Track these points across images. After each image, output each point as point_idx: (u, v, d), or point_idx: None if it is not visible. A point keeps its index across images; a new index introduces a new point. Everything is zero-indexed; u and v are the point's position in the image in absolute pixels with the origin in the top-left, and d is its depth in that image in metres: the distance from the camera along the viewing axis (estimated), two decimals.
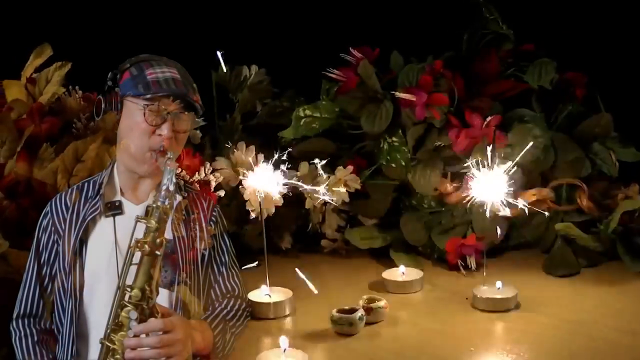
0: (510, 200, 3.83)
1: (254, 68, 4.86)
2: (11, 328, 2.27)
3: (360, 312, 3.29)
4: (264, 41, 4.90)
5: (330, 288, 3.84)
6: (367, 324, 3.36)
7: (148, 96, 2.15)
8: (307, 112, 4.29)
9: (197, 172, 3.72)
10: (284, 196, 4.06)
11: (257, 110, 4.71)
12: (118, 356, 1.98)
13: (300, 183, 3.79)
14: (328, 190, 4.18)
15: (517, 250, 4.14)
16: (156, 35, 4.75)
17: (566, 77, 4.43)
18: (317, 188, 3.70)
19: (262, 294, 3.60)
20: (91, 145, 3.09)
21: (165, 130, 2.16)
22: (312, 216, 4.35)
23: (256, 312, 3.51)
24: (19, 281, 2.82)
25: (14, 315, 2.29)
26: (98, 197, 2.24)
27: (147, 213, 2.05)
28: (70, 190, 2.31)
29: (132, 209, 2.23)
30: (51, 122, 3.47)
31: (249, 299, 3.52)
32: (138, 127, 2.17)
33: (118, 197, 2.26)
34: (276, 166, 3.74)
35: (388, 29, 4.85)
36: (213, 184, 3.77)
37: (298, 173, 4.06)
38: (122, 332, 1.98)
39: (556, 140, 4.09)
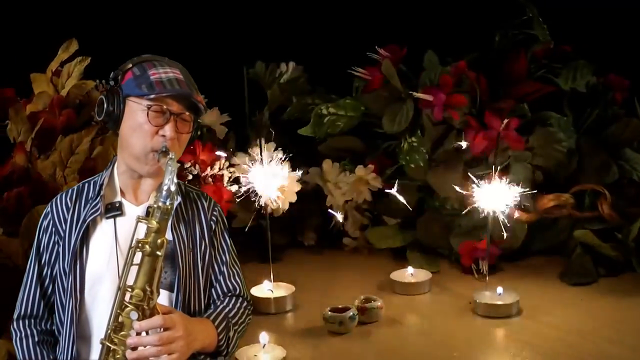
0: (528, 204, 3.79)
1: (292, 65, 4.91)
2: (12, 329, 2.21)
3: (351, 312, 3.29)
4: (298, 38, 4.91)
5: (340, 286, 3.87)
6: (362, 323, 3.36)
7: (152, 96, 2.09)
8: (331, 110, 4.30)
9: (210, 167, 3.77)
10: (303, 193, 4.13)
11: None
12: (119, 356, 1.97)
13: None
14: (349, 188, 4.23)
15: (537, 256, 4.04)
16: (189, 31, 4.86)
17: (607, 81, 4.30)
18: None
19: (264, 289, 3.66)
20: (85, 139, 3.19)
21: (168, 131, 2.10)
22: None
23: (258, 307, 3.57)
24: (10, 267, 2.94)
25: (15, 317, 2.23)
26: (98, 198, 2.19)
27: (148, 213, 2.03)
28: (70, 190, 2.31)
29: (132, 210, 2.19)
30: (68, 115, 3.59)
31: (251, 295, 3.60)
32: (141, 127, 2.11)
33: (118, 198, 2.21)
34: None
35: (427, 28, 4.78)
36: (226, 179, 3.82)
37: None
38: (123, 333, 1.97)
39: (583, 145, 3.97)
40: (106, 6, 4.69)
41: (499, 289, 3.46)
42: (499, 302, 3.41)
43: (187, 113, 2.15)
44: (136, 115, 2.11)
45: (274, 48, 4.91)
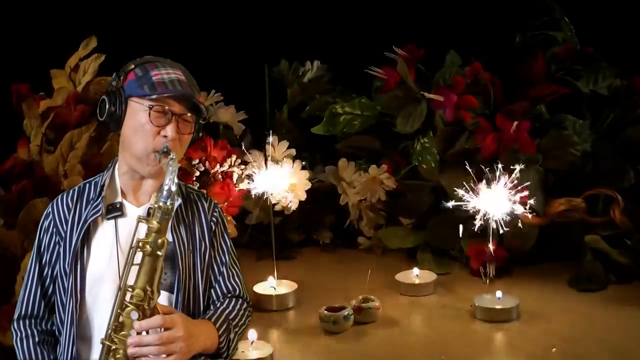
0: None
1: (316, 63, 4.93)
2: (12, 329, 2.25)
3: (346, 312, 3.31)
4: (323, 37, 4.92)
5: (347, 285, 3.87)
6: (359, 323, 3.37)
7: (153, 97, 2.10)
8: (346, 109, 4.30)
9: (220, 164, 3.82)
10: (319, 191, 4.15)
11: None
12: (119, 356, 1.98)
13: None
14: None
15: (551, 260, 3.97)
16: (212, 30, 4.92)
17: (632, 83, 4.21)
18: None
19: (267, 286, 3.69)
20: (84, 135, 3.28)
21: (169, 131, 2.11)
22: (350, 213, 4.37)
23: (260, 304, 3.62)
24: (9, 258, 3.04)
25: (15, 316, 2.25)
26: (99, 199, 2.19)
27: (149, 214, 2.05)
28: (71, 191, 2.27)
29: (133, 211, 2.19)
30: (82, 110, 3.68)
31: (254, 293, 3.64)
32: (142, 128, 2.11)
33: (119, 199, 2.21)
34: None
35: (451, 28, 4.74)
36: (236, 176, 3.86)
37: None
38: (124, 332, 1.99)
39: (598, 148, 3.89)
40: (130, 3, 4.76)
41: (498, 293, 3.43)
42: (498, 306, 3.38)
43: (189, 114, 2.17)
44: (138, 116, 2.13)
45: (299, 47, 4.94)
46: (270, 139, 4.16)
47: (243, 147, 3.98)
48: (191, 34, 4.86)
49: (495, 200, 3.41)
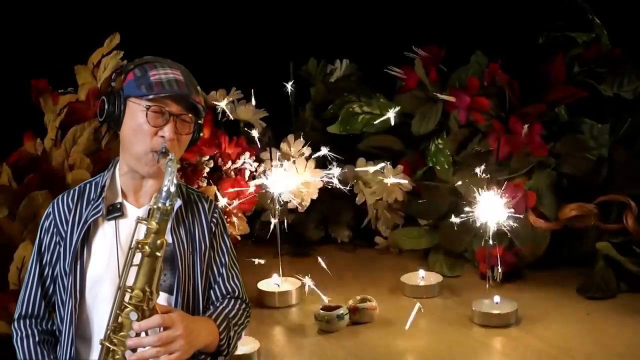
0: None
1: (345, 62, 4.94)
2: (12, 328, 2.26)
3: (340, 311, 3.32)
4: (350, 36, 4.93)
5: (353, 284, 3.88)
6: (355, 323, 3.39)
7: (150, 97, 2.11)
8: (365, 109, 4.30)
9: (232, 161, 3.87)
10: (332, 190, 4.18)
11: None
12: (118, 357, 2.00)
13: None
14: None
15: (566, 266, 3.89)
16: (238, 31, 4.98)
17: None
18: None
19: (271, 283, 3.73)
20: (86, 130, 3.37)
21: (167, 131, 2.12)
22: (369, 212, 4.38)
23: (263, 301, 3.66)
24: (10, 248, 3.14)
25: (16, 316, 2.27)
26: (100, 199, 2.21)
27: (149, 214, 2.05)
28: (72, 191, 2.29)
29: (133, 212, 2.19)
30: (98, 106, 3.78)
31: (257, 290, 3.69)
32: (140, 128, 2.12)
33: (119, 200, 2.22)
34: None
35: (478, 29, 4.69)
36: (247, 173, 3.91)
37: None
38: (123, 333, 2.00)
39: (615, 153, 3.81)
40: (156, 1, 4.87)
41: (496, 298, 3.39)
42: (495, 311, 3.35)
43: (188, 114, 2.17)
44: (136, 116, 2.14)
45: (329, 46, 4.96)
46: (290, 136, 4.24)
47: (259, 144, 4.02)
48: (220, 33, 4.93)
49: (498, 205, 3.38)
